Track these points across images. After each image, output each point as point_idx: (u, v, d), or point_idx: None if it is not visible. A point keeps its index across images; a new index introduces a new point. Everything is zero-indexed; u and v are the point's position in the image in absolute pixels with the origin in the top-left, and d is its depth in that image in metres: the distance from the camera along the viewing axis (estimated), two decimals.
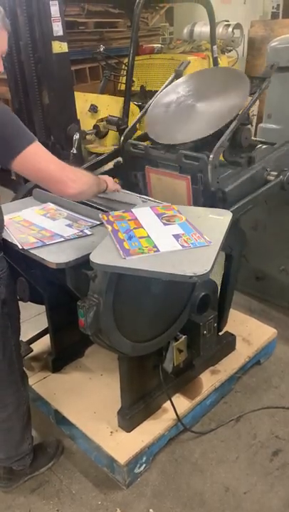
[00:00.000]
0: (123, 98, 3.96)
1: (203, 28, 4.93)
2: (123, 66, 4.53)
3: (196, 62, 4.50)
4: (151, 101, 2.28)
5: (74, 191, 1.53)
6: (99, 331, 1.56)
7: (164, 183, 2.10)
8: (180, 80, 2.32)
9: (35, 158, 1.45)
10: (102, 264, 1.34)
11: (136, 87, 4.60)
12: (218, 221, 1.56)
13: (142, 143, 2.21)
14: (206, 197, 1.91)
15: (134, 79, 4.39)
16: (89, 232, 1.67)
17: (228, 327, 2.44)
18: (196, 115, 2.06)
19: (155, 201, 1.88)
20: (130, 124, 2.43)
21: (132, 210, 1.68)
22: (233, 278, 2.24)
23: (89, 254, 1.41)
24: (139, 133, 2.43)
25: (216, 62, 4.47)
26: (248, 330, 2.61)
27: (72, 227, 1.73)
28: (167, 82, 2.34)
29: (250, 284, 3.17)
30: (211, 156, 1.84)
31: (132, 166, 2.23)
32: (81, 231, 1.69)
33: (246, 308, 3.05)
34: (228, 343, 2.43)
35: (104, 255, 1.38)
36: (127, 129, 2.28)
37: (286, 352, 2.69)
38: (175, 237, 1.47)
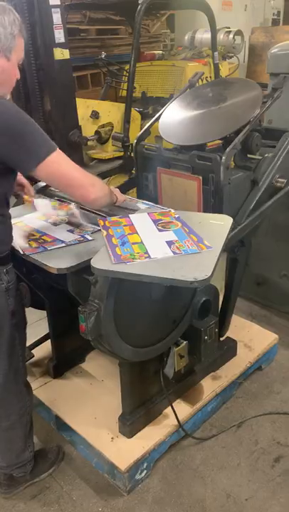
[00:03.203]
0: (124, 104, 3.98)
1: (204, 35, 4.95)
2: (124, 72, 4.55)
3: (197, 69, 4.52)
4: (164, 108, 2.31)
5: (94, 196, 1.56)
6: (100, 336, 1.56)
7: (174, 184, 2.11)
8: (194, 88, 2.36)
9: (59, 165, 1.49)
10: (103, 269, 1.34)
11: (137, 94, 4.62)
12: (218, 227, 1.56)
13: (155, 144, 2.24)
14: (216, 198, 1.93)
15: (135, 85, 4.41)
16: (90, 238, 1.67)
17: (230, 332, 2.44)
18: (209, 120, 2.10)
19: (160, 207, 1.89)
20: (143, 127, 2.43)
21: (130, 215, 1.69)
22: (237, 283, 2.24)
23: (90, 259, 1.41)
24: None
25: (217, 68, 4.48)
26: (250, 335, 2.61)
27: (74, 233, 1.73)
28: (181, 91, 2.38)
29: (252, 290, 3.17)
30: (224, 157, 1.87)
31: (143, 167, 2.26)
32: (82, 236, 1.70)
33: (247, 313, 3.05)
34: (229, 349, 2.43)
35: (106, 261, 1.38)
36: (141, 131, 2.31)
37: (288, 357, 2.69)
38: (168, 244, 1.47)
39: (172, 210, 1.72)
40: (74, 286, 1.59)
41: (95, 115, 4.09)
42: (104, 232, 1.56)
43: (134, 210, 1.81)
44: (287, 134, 2.11)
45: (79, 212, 1.85)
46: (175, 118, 2.20)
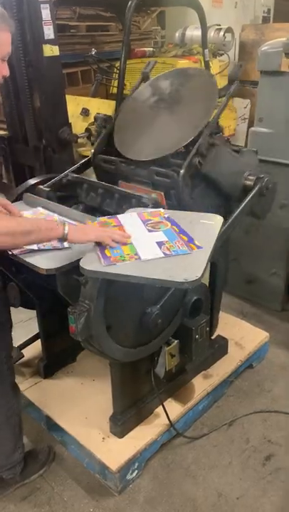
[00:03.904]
0: (115, 101, 3.95)
1: (194, 32, 4.93)
2: (115, 70, 4.53)
3: (187, 66, 4.50)
4: (118, 112, 2.20)
5: None
6: (90, 337, 1.55)
7: None
8: (147, 83, 2.25)
9: None
10: (93, 270, 1.32)
11: (128, 91, 4.59)
12: (209, 226, 1.55)
13: (113, 158, 2.11)
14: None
15: (126, 82, 4.39)
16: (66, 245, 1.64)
17: (221, 331, 2.44)
18: (164, 128, 1.99)
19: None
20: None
21: (118, 216, 1.66)
22: (220, 284, 2.23)
23: (79, 260, 1.40)
24: None
25: (207, 65, 4.47)
26: (241, 333, 2.61)
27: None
28: (135, 86, 2.27)
29: (242, 288, 3.18)
30: (182, 171, 1.78)
31: (106, 180, 2.09)
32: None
33: (238, 311, 3.06)
34: (220, 347, 2.43)
35: (95, 262, 1.37)
36: (96, 143, 2.19)
37: (278, 355, 2.70)
38: (158, 245, 1.46)
39: (162, 210, 1.70)
40: (63, 286, 1.57)
41: (85, 112, 4.07)
42: None
43: None
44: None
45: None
46: (128, 127, 2.10)
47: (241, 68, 2.05)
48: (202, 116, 1.90)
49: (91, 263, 1.35)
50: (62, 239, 1.46)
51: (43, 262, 1.52)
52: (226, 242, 2.07)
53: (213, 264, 2.14)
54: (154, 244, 1.45)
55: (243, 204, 1.95)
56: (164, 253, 1.41)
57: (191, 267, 1.31)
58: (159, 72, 4.68)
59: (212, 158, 1.86)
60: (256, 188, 1.97)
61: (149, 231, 1.53)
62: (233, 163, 2.00)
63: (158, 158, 1.91)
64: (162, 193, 1.91)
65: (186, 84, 2.12)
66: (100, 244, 1.44)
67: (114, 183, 2.06)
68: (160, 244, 1.46)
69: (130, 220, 1.62)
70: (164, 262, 1.36)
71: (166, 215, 1.64)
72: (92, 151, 2.17)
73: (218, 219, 1.60)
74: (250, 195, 1.96)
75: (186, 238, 1.48)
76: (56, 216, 1.82)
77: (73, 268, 1.49)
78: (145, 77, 2.31)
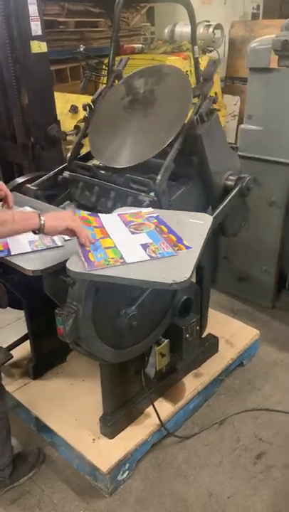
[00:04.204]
0: None
1: (184, 29, 4.91)
2: (103, 66, 4.50)
3: (177, 63, 4.48)
4: (92, 112, 2.13)
5: None
6: (78, 338, 1.53)
7: None
8: (120, 83, 2.20)
9: None
10: (79, 272, 1.30)
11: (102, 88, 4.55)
12: (198, 226, 1.53)
13: (89, 165, 2.07)
14: None
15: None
16: (67, 237, 1.63)
17: (211, 329, 2.43)
18: (139, 133, 1.95)
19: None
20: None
21: (100, 215, 1.62)
22: (207, 283, 2.22)
23: (66, 260, 1.37)
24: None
25: (196, 62, 4.45)
26: (231, 331, 2.60)
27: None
28: (107, 85, 2.21)
29: (233, 285, 3.18)
30: (159, 177, 1.74)
31: (84, 185, 2.04)
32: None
33: (229, 309, 3.05)
34: (211, 346, 2.42)
35: (81, 263, 1.34)
36: (72, 148, 2.14)
37: (269, 353, 2.70)
38: (143, 247, 1.42)
39: (143, 210, 1.67)
40: (50, 287, 1.55)
41: (73, 109, 4.03)
42: (76, 237, 1.48)
43: None
44: None
45: None
46: (103, 131, 2.06)
47: (215, 65, 1.94)
48: (177, 119, 1.85)
49: (78, 264, 1.33)
50: (40, 229, 1.39)
51: (30, 263, 1.49)
52: (208, 242, 2.06)
53: (198, 273, 2.12)
54: (139, 247, 1.42)
55: (223, 205, 1.93)
56: (149, 256, 1.38)
57: (180, 268, 1.30)
58: None
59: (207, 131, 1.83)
60: (236, 189, 1.97)
61: (132, 233, 1.50)
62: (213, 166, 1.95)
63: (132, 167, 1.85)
64: None
65: (161, 84, 2.04)
66: (83, 248, 1.40)
67: (93, 188, 1.99)
68: (145, 246, 1.43)
69: (111, 221, 1.57)
70: (150, 264, 1.34)
71: (153, 215, 1.61)
72: (68, 155, 2.11)
73: (208, 218, 1.58)
74: (231, 196, 1.95)
75: (174, 238, 1.46)
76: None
77: (61, 268, 1.46)
78: (118, 75, 2.26)
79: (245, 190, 2.01)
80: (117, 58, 4.50)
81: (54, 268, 1.46)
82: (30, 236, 1.55)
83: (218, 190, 1.99)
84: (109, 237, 1.48)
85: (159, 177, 1.74)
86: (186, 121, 1.85)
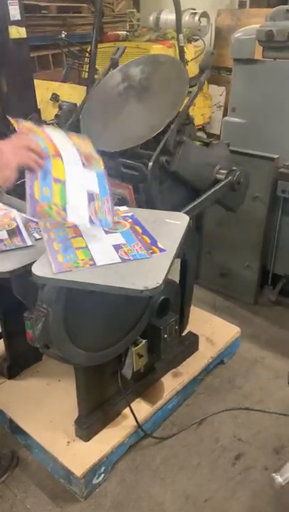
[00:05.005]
0: (86, 87, 3.81)
1: (169, 16, 4.80)
2: (86, 54, 4.38)
3: (161, 51, 4.38)
4: (85, 99, 2.11)
5: None
6: (49, 343, 1.46)
7: None
8: (116, 70, 2.16)
9: None
10: (45, 277, 1.23)
11: (100, 76, 4.45)
12: (174, 226, 1.47)
13: None
14: (150, 207, 1.78)
15: (98, 67, 4.24)
16: (38, 236, 1.55)
17: (192, 326, 2.38)
18: (132, 118, 1.91)
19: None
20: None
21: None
22: (190, 280, 2.17)
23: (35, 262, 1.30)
24: None
25: (182, 51, 4.35)
26: (212, 329, 2.56)
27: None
28: (103, 72, 2.18)
29: (215, 281, 3.13)
30: (150, 164, 1.70)
31: None
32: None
33: (210, 305, 3.01)
34: (190, 344, 2.37)
35: (48, 267, 1.27)
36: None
37: (250, 350, 2.66)
38: (115, 248, 1.35)
39: (120, 209, 1.59)
40: (19, 289, 1.48)
41: (55, 98, 3.93)
42: (45, 236, 1.41)
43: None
44: None
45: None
46: (96, 115, 2.00)
47: (213, 56, 1.95)
48: (172, 106, 1.82)
49: (44, 268, 1.25)
50: None
51: None
52: (194, 236, 2.01)
53: (183, 264, 2.08)
54: (111, 248, 1.35)
55: (208, 193, 1.88)
56: (121, 258, 1.32)
57: (152, 273, 1.23)
58: (131, 58, 4.55)
59: (180, 157, 1.79)
60: (225, 181, 1.91)
61: (106, 232, 1.42)
62: (203, 159, 1.92)
63: (127, 149, 1.81)
64: (130, 187, 1.82)
65: (157, 72, 2.03)
66: (51, 249, 1.33)
67: None
68: (117, 247, 1.36)
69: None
70: (122, 268, 1.27)
71: (129, 214, 1.55)
72: None
73: (185, 218, 1.52)
74: (217, 187, 1.90)
75: (148, 240, 1.39)
76: (15, 212, 1.72)
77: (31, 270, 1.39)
78: (114, 64, 2.21)
79: (235, 184, 1.96)
80: (101, 46, 4.40)
81: (22, 270, 1.38)
82: None
83: (208, 185, 1.94)
84: (82, 236, 1.41)
85: (150, 163, 1.70)
86: (180, 110, 1.82)
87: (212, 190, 1.90)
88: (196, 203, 1.82)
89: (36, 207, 1.24)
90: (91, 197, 1.33)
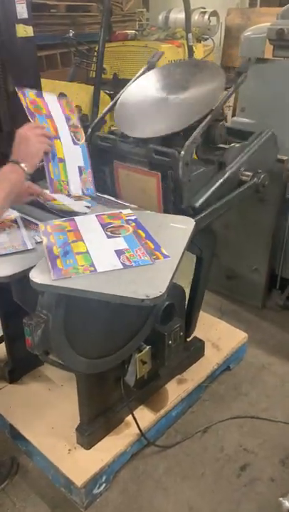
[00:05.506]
0: (93, 86, 3.79)
1: (178, 15, 4.75)
2: (94, 53, 4.34)
3: (170, 51, 4.34)
4: (121, 92, 2.14)
5: None
6: (49, 349, 1.42)
7: (132, 180, 1.95)
8: (153, 71, 2.19)
9: None
10: (43, 284, 1.18)
11: (108, 75, 4.41)
12: (179, 231, 1.41)
13: (111, 135, 2.07)
14: (176, 196, 1.78)
15: (106, 67, 4.21)
16: (39, 239, 1.51)
17: (197, 331, 2.33)
18: (168, 109, 1.94)
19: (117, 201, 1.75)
20: (100, 114, 2.27)
21: (75, 218, 1.51)
22: (203, 282, 2.12)
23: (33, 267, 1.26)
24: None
25: (191, 50, 4.31)
26: (218, 334, 2.51)
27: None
28: (139, 73, 2.21)
29: (222, 284, 3.07)
30: (183, 151, 1.72)
31: (100, 160, 2.03)
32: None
33: (217, 308, 2.95)
34: (196, 350, 2.32)
35: (47, 273, 1.22)
36: (95, 121, 2.13)
37: (256, 356, 2.60)
38: (117, 254, 1.31)
39: (123, 212, 1.55)
40: (19, 294, 1.44)
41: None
42: (45, 240, 1.37)
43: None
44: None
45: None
46: (131, 105, 2.04)
47: (251, 62, 2.02)
48: (207, 102, 1.86)
49: (42, 274, 1.21)
50: (27, 174, 1.43)
51: None
52: (210, 234, 1.98)
53: (198, 261, 2.04)
54: (113, 254, 1.31)
55: (232, 194, 1.91)
56: (123, 264, 1.27)
57: (154, 281, 1.18)
58: (139, 57, 4.52)
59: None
60: (250, 183, 1.94)
61: (108, 237, 1.38)
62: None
63: (158, 139, 1.86)
64: (159, 174, 1.81)
65: (195, 73, 2.08)
66: (50, 253, 1.29)
67: (110, 163, 2.00)
68: (119, 253, 1.31)
69: (88, 223, 1.47)
70: (123, 275, 1.22)
71: (132, 217, 1.49)
72: (90, 129, 2.11)
73: (190, 222, 1.46)
74: (242, 189, 1.93)
75: (152, 245, 1.34)
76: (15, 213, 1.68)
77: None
78: (151, 67, 2.24)
79: (260, 186, 1.98)
80: (110, 45, 4.36)
81: (22, 274, 1.33)
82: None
83: (233, 183, 1.95)
84: (83, 240, 1.36)
85: (183, 151, 1.72)
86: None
87: (237, 192, 1.90)
88: (219, 204, 1.84)
89: (61, 272, 1.25)
90: (120, 252, 1.35)
